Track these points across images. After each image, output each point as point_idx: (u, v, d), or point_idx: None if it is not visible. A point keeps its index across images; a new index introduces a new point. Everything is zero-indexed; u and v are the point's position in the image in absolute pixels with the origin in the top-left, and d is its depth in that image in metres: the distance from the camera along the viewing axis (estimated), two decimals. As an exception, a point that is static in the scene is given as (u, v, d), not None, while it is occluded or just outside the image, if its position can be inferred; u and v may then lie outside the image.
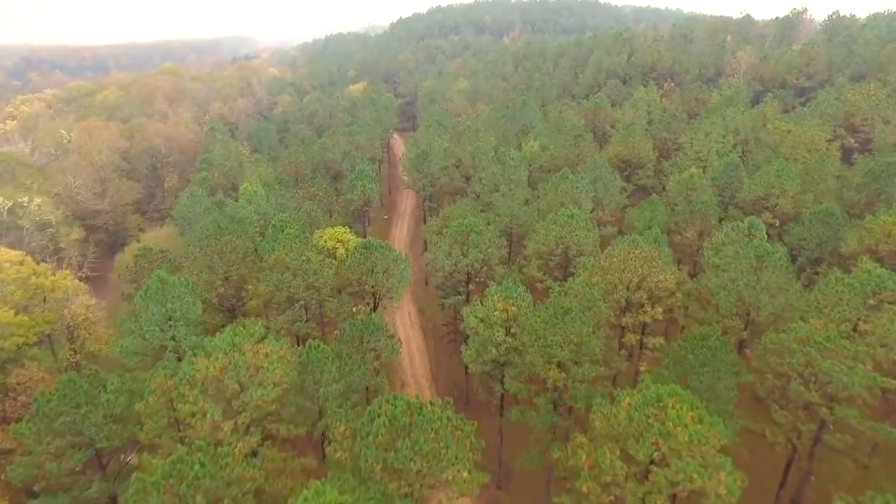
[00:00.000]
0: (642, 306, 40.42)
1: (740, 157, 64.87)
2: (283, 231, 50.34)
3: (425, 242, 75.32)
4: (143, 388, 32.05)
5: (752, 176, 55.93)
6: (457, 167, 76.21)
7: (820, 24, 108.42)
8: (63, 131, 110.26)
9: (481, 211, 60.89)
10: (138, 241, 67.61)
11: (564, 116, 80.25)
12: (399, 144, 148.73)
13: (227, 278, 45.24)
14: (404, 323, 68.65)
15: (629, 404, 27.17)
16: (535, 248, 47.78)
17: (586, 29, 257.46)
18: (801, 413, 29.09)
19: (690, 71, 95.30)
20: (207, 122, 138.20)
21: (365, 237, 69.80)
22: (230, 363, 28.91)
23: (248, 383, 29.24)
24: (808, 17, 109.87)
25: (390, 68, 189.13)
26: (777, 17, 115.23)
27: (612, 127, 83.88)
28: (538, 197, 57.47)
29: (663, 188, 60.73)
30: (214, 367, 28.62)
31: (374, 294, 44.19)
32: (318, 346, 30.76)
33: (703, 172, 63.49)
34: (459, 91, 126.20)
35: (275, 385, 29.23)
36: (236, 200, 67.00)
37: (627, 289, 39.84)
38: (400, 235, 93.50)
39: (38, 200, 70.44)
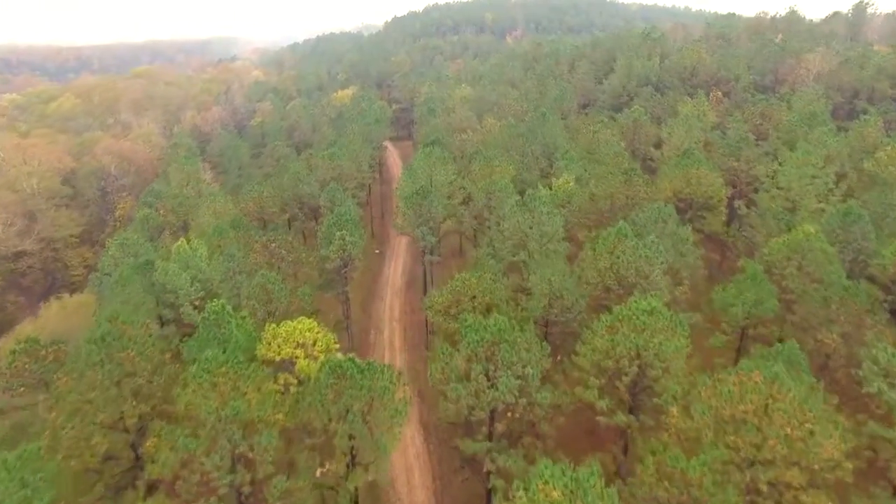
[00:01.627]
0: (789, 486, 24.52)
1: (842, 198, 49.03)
2: (218, 326, 34.18)
3: (427, 312, 59.13)
4: None
5: (882, 234, 40.01)
6: (465, 203, 59.96)
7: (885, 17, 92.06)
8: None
9: (503, 274, 44.75)
10: (34, 318, 51.09)
11: (600, 137, 63.99)
12: (394, 156, 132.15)
13: (121, 419, 28.95)
14: (399, 413, 52.44)
15: None
16: (594, 359, 31.66)
17: (593, 28, 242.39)
18: None
19: (742, 78, 79.27)
20: (177, 135, 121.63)
21: (346, 309, 53.59)
22: None
23: None
24: (875, 11, 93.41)
25: (384, 71, 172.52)
26: (836, 12, 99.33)
27: (657, 148, 67.83)
28: (583, 263, 41.27)
29: (753, 248, 44.63)
30: None
31: (351, 448, 27.91)
32: None
33: (793, 215, 47.63)
34: (462, 99, 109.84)
35: None
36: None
37: (771, 462, 23.89)
38: (394, 277, 76.98)
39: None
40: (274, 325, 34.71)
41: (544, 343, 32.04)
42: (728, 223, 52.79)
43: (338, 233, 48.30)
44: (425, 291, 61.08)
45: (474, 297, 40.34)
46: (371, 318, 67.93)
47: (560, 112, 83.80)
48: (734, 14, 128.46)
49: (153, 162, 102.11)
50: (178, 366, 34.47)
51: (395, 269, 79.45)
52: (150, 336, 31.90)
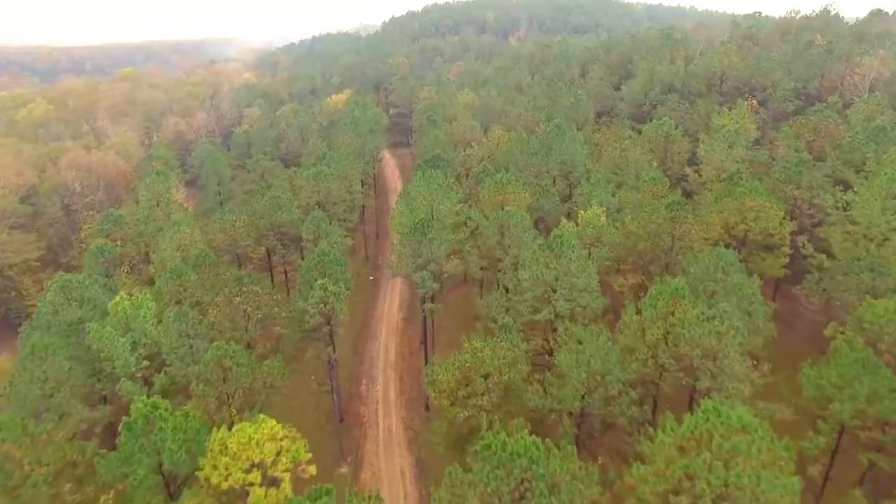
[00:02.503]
0: None
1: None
2: (147, 433, 25.18)
3: (425, 353, 50.08)
4: None
5: None
6: (471, 237, 50.90)
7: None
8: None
9: (521, 333, 35.81)
10: None
11: (629, 156, 54.91)
12: (391, 165, 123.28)
13: None
14: (394, 490, 43.61)
15: None
16: (660, 489, 22.74)
17: (599, 28, 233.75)
18: None
19: (780, 85, 70.27)
20: (155, 145, 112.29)
21: (331, 369, 44.42)
22: None
23: None
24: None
25: (381, 73, 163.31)
26: (877, 10, 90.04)
27: (690, 166, 58.93)
28: (626, 329, 32.27)
29: (838, 306, 35.65)
30: None
31: None
32: None
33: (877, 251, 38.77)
34: (465, 106, 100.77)
35: None
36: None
37: None
38: (390, 312, 68.16)
39: None
40: (224, 431, 25.66)
41: (590, 467, 23.10)
42: (789, 265, 43.76)
43: (318, 281, 39.25)
44: (425, 335, 52.32)
45: (488, 375, 31.44)
46: (363, 362, 59.13)
47: (575, 122, 74.83)
48: (760, 13, 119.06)
49: (127, 175, 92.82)
50: (91, 489, 25.57)
51: (392, 301, 70.57)
52: (41, 463, 22.81)
